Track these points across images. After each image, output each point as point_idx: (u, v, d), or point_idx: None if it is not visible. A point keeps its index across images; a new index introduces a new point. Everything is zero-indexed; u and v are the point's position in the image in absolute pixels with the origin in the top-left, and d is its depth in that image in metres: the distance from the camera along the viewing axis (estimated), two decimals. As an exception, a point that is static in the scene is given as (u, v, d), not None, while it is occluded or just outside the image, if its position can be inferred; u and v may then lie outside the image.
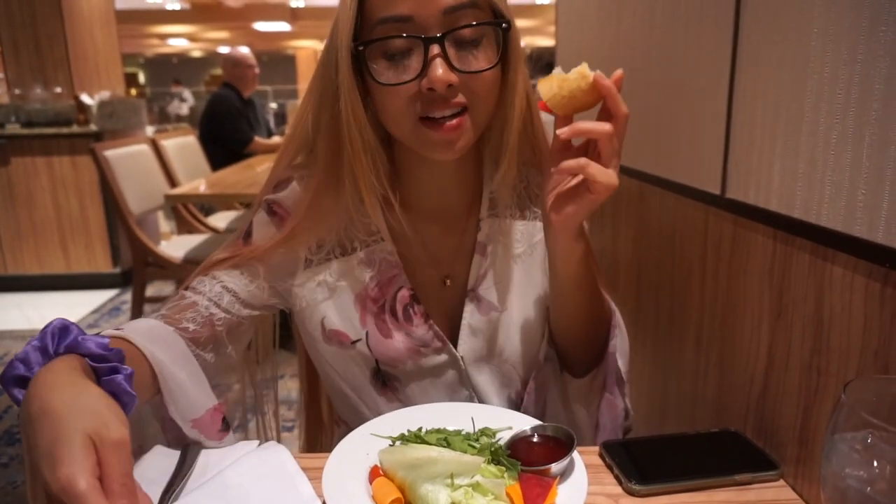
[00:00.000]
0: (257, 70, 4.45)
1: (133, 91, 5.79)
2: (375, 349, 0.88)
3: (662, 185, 1.07)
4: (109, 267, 4.28)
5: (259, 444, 0.78)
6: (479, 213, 0.89)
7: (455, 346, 0.89)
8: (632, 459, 0.75)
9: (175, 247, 3.16)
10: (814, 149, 0.66)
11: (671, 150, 1.03)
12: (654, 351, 1.14)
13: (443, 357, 0.89)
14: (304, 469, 0.72)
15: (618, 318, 0.88)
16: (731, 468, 0.73)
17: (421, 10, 0.70)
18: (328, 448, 0.76)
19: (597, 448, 0.79)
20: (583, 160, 0.70)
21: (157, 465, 0.75)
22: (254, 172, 3.59)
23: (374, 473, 0.68)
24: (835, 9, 0.62)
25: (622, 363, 0.86)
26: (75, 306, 3.98)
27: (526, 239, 0.91)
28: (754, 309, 0.79)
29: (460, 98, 0.73)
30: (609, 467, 0.75)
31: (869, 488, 0.43)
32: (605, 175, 0.70)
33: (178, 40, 14.98)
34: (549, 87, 0.70)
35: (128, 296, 4.14)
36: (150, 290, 3.25)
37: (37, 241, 4.23)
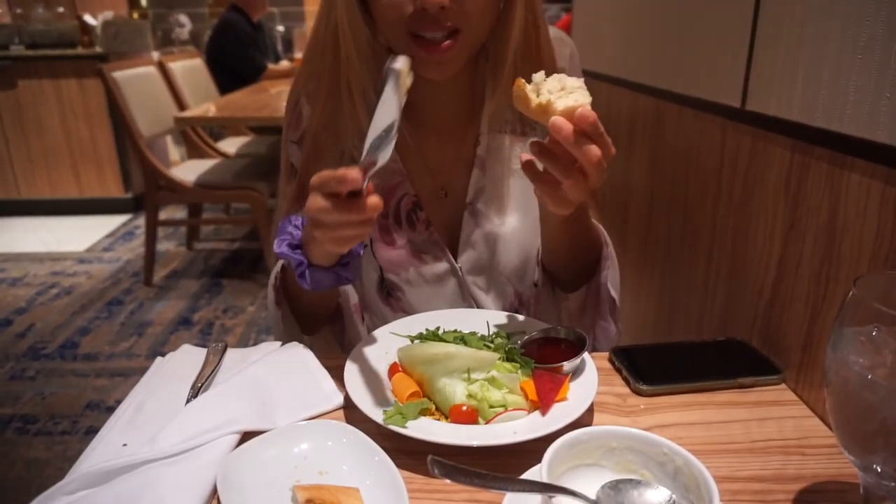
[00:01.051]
0: (267, -9, 4.32)
1: (135, 14, 5.63)
2: (380, 255, 0.90)
3: (680, 101, 1.06)
4: (121, 192, 4.31)
5: (281, 345, 0.81)
6: (478, 128, 0.89)
7: (455, 257, 0.91)
8: (639, 363, 0.78)
9: (186, 171, 3.17)
10: (840, 53, 0.65)
11: (691, 65, 1.02)
12: (665, 265, 1.16)
13: (443, 266, 0.91)
14: (326, 368, 0.76)
15: (609, 249, 0.88)
16: (735, 372, 0.76)
17: None
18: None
19: (607, 354, 0.82)
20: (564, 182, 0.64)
21: (186, 361, 0.79)
22: (266, 95, 3.54)
23: (394, 370, 0.72)
24: None
25: (614, 292, 0.88)
26: (89, 230, 4.04)
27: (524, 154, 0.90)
28: (767, 221, 0.80)
29: (452, 22, 0.72)
30: (618, 370, 0.78)
31: (870, 375, 0.45)
32: (577, 194, 0.65)
33: (180, -40, 14.41)
34: (532, 96, 0.63)
35: (140, 220, 4.19)
36: (163, 215, 3.29)
37: (48, 166, 4.24)
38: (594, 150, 0.60)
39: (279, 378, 0.73)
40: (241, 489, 0.55)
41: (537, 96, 0.62)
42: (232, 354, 0.80)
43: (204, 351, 0.81)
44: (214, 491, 0.56)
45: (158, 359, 0.80)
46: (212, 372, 0.75)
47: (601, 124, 0.61)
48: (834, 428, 0.50)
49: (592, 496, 0.51)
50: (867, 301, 0.46)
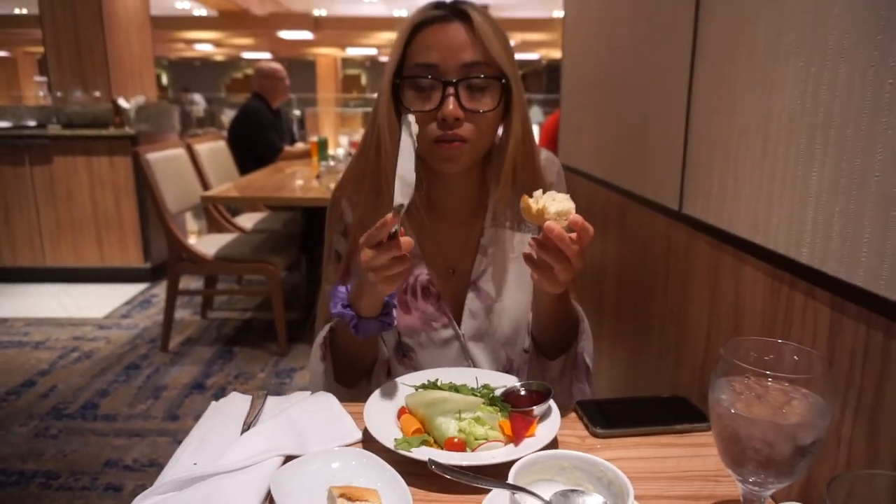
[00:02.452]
0: (288, 83, 4.72)
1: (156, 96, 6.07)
2: (399, 322, 1.12)
3: (637, 200, 1.29)
4: (140, 262, 4.56)
5: (311, 394, 1.01)
6: (483, 221, 1.13)
7: (458, 325, 1.13)
8: (598, 412, 0.97)
9: (206, 244, 3.42)
10: (736, 177, 0.89)
11: (645, 173, 1.26)
12: (632, 336, 1.37)
13: (448, 332, 1.13)
14: (347, 411, 0.96)
15: (585, 325, 1.11)
16: (674, 421, 0.95)
17: (445, 61, 0.98)
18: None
19: (572, 405, 1.01)
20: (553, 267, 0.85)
21: (236, 404, 0.99)
22: (282, 176, 3.84)
23: (402, 412, 0.92)
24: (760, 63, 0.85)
25: (588, 360, 1.10)
26: (108, 297, 4.26)
27: (519, 247, 1.15)
28: (699, 301, 1.02)
29: (465, 130, 0.99)
30: (580, 417, 0.98)
31: (733, 409, 0.65)
32: (566, 276, 0.86)
33: (204, 45, 15.36)
34: (533, 205, 0.83)
35: (157, 289, 4.42)
36: (182, 284, 3.50)
37: (74, 236, 4.51)
38: (574, 246, 0.82)
39: (311, 417, 0.92)
40: (289, 492, 0.74)
41: (536, 204, 0.84)
42: (272, 401, 1.00)
43: (249, 397, 1.01)
44: (268, 495, 0.75)
45: (213, 402, 1.00)
46: (257, 413, 0.95)
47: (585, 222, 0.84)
48: (718, 451, 0.69)
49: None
50: (730, 359, 0.67)
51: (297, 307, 3.89)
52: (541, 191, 0.86)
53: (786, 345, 0.68)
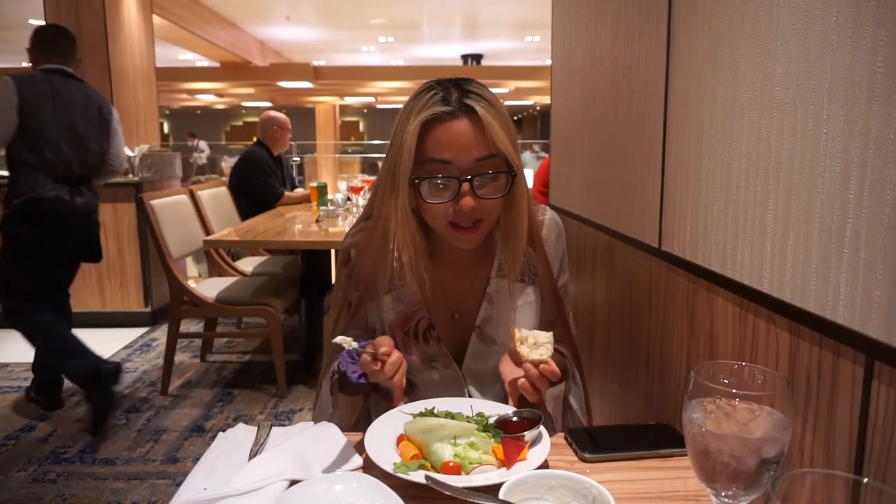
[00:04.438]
0: (290, 134, 4.87)
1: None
2: None
3: (622, 239, 1.37)
4: (141, 306, 4.60)
5: (314, 423, 1.07)
6: (489, 271, 1.21)
7: (460, 365, 1.19)
8: (587, 439, 1.03)
9: (207, 288, 3.48)
10: (706, 216, 0.97)
11: (628, 214, 1.34)
12: (620, 367, 1.43)
13: (450, 372, 1.19)
14: (350, 440, 1.01)
15: (572, 372, 1.20)
16: (658, 446, 1.01)
17: (458, 157, 1.05)
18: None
19: (562, 433, 1.07)
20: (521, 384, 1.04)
21: (242, 435, 1.04)
22: (282, 220, 3.94)
23: (401, 439, 0.97)
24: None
25: (576, 405, 1.21)
26: (109, 342, 4.29)
27: (522, 297, 1.23)
28: (678, 331, 1.09)
29: (479, 213, 1.07)
30: (570, 444, 1.03)
31: (704, 428, 0.71)
32: (531, 394, 1.03)
33: (206, 95, 15.73)
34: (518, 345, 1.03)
35: (157, 333, 4.45)
36: (181, 328, 3.55)
37: (76, 281, 4.54)
38: (545, 385, 1.03)
39: (314, 445, 0.98)
40: (295, 512, 0.79)
41: (521, 344, 1.02)
42: (276, 431, 1.05)
43: (254, 428, 1.06)
44: (274, 516, 0.80)
45: (221, 433, 1.05)
46: (263, 441, 1.00)
47: (554, 370, 1.00)
48: (693, 467, 0.75)
49: (536, 515, 0.75)
50: (700, 381, 0.73)
51: (297, 349, 3.92)
52: (525, 332, 1.03)
53: (750, 367, 0.74)
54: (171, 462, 2.71)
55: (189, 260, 5.09)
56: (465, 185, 1.04)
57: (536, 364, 1.00)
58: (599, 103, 1.52)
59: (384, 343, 1.03)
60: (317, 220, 3.79)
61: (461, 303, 1.21)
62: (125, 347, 4.22)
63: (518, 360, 1.02)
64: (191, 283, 3.60)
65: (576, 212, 1.78)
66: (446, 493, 0.71)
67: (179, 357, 3.97)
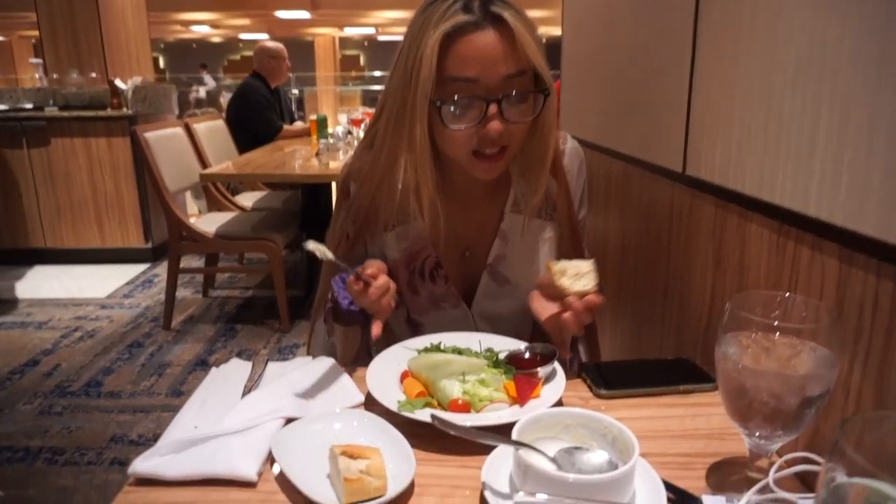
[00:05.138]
0: (288, 63, 4.67)
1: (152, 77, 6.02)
2: (407, 301, 1.13)
3: (641, 165, 1.28)
4: (141, 242, 4.55)
5: (312, 359, 1.01)
6: (503, 206, 1.11)
7: (469, 304, 1.12)
8: (602, 375, 0.96)
9: (207, 223, 3.41)
10: (741, 134, 0.87)
11: (648, 137, 1.24)
12: (633, 301, 1.36)
13: (458, 312, 1.13)
14: (350, 375, 0.95)
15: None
16: (677, 381, 0.95)
17: (485, 75, 0.92)
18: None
19: (576, 370, 1.01)
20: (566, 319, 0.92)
21: (236, 370, 0.98)
22: (281, 154, 3.82)
23: (405, 376, 0.91)
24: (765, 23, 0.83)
25: (584, 355, 1.17)
26: (110, 278, 4.26)
27: (538, 234, 1.13)
28: (702, 262, 1.01)
29: (504, 139, 0.96)
30: (584, 380, 0.97)
31: (740, 364, 0.64)
32: (577, 328, 0.92)
33: (201, 27, 15.21)
34: (557, 278, 0.92)
35: (158, 269, 4.42)
36: (183, 264, 3.50)
37: (74, 218, 4.49)
38: (589, 318, 0.91)
39: (313, 381, 0.92)
40: (290, 451, 0.73)
41: (561, 277, 0.91)
42: (273, 366, 1.00)
43: (249, 363, 1.00)
44: (269, 455, 0.74)
45: (213, 369, 1.00)
46: (258, 377, 0.94)
47: (600, 301, 0.91)
48: (725, 406, 0.68)
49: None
50: (737, 312, 0.66)
51: (299, 285, 3.89)
52: (564, 262, 0.93)
53: (793, 297, 0.67)
54: (176, 395, 2.71)
55: (189, 197, 5.00)
56: (493, 107, 0.92)
57: (582, 296, 0.90)
58: (617, 23, 1.39)
59: (371, 265, 0.95)
60: (317, 154, 3.67)
61: (472, 240, 1.12)
62: (127, 283, 4.19)
63: (556, 295, 0.93)
64: (194, 219, 3.52)
65: (588, 139, 1.67)
66: (452, 433, 0.65)
67: (182, 293, 3.94)
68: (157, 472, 0.72)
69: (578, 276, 0.91)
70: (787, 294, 0.66)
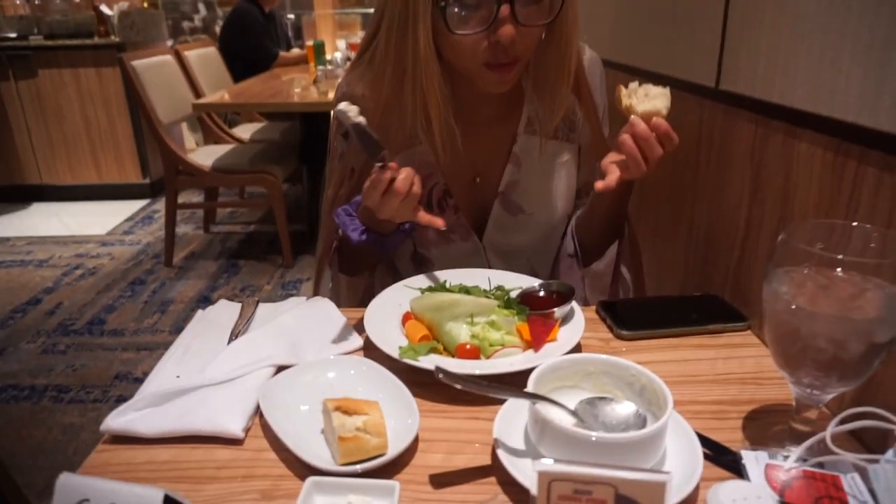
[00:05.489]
0: (281, -19, 4.40)
1: (145, 3, 5.73)
2: (413, 234, 1.01)
3: (664, 81, 1.15)
4: (139, 178, 4.44)
5: (307, 300, 0.92)
6: (516, 127, 0.99)
7: (480, 237, 1.02)
8: (622, 313, 0.88)
9: (203, 156, 3.29)
10: (791, 40, 0.75)
11: (674, 50, 1.11)
12: (654, 232, 1.26)
13: (468, 245, 1.03)
14: (347, 318, 0.87)
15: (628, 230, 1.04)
16: (706, 320, 0.86)
17: None
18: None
19: (593, 306, 0.92)
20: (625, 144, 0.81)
21: (224, 313, 0.90)
22: (278, 82, 3.65)
23: (407, 318, 0.83)
24: None
25: (625, 271, 1.06)
26: (110, 215, 4.18)
27: (555, 157, 1.01)
28: (736, 188, 0.90)
29: (518, 48, 0.83)
30: (603, 319, 0.89)
31: (794, 304, 0.55)
32: (635, 172, 0.82)
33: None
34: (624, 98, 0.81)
35: (158, 205, 4.33)
36: (182, 199, 3.40)
37: (69, 153, 4.37)
38: (656, 147, 0.79)
39: (306, 325, 0.84)
40: (279, 405, 0.66)
41: (628, 97, 0.80)
42: (264, 308, 0.91)
43: (238, 305, 0.92)
44: (257, 408, 0.67)
45: (199, 311, 0.92)
46: (247, 321, 0.86)
47: (669, 127, 0.79)
48: (771, 352, 0.60)
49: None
50: (794, 243, 0.56)
51: (301, 219, 3.80)
52: (636, 83, 0.81)
53: (859, 227, 0.57)
54: (179, 333, 2.67)
55: (185, 130, 4.85)
56: (505, 9, 0.80)
57: (649, 118, 0.79)
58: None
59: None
60: (314, 81, 3.50)
61: (482, 165, 1.01)
62: (126, 220, 4.11)
63: (626, 114, 0.81)
64: (191, 154, 3.40)
65: (601, 55, 1.53)
66: (459, 387, 0.57)
67: (182, 229, 3.87)
68: (132, 429, 0.65)
69: (648, 97, 0.80)
70: (855, 224, 0.56)
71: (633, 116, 0.79)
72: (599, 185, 0.83)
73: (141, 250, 3.59)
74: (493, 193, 1.02)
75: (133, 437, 0.65)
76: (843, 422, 0.54)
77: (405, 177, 0.80)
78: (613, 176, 0.82)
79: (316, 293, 1.05)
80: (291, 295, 3.02)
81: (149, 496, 0.50)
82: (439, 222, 0.85)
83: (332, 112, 1.00)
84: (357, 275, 1.06)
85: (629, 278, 1.05)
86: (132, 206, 4.35)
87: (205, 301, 2.94)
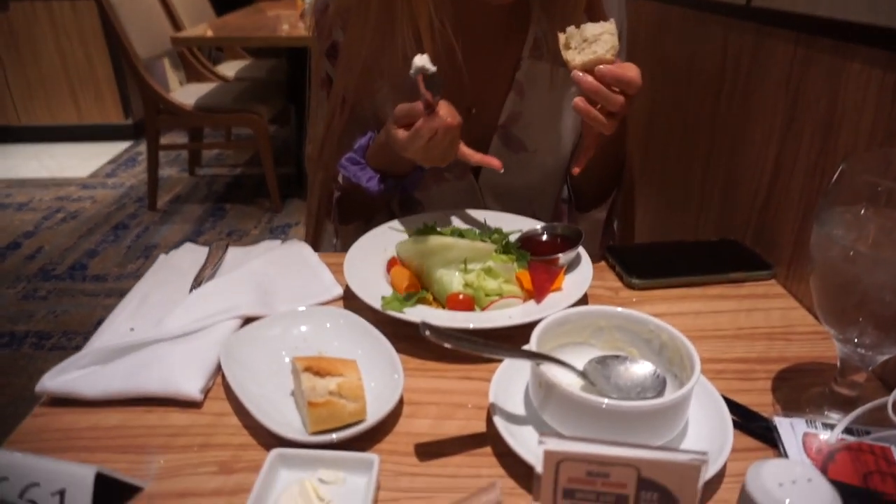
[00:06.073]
0: None
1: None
2: None
3: (683, 3, 1.03)
4: (121, 118, 4.25)
5: (281, 243, 0.83)
6: (520, 51, 0.86)
7: (477, 177, 0.91)
8: (633, 260, 0.79)
9: (185, 94, 3.12)
10: (849, -64, 0.63)
11: (699, -37, 0.98)
12: (663, 174, 1.16)
13: (463, 184, 0.92)
14: (326, 264, 0.78)
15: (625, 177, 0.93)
16: (726, 268, 0.78)
17: None
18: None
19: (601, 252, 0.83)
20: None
21: (188, 257, 0.81)
22: (263, 16, 3.45)
23: (392, 264, 0.74)
24: None
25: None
26: (91, 157, 4.02)
27: (565, 87, 0.87)
28: (766, 121, 0.80)
29: None
30: (611, 266, 0.80)
31: (852, 249, 0.46)
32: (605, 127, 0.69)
33: None
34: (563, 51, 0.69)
35: (141, 147, 4.16)
36: (165, 140, 3.25)
37: (46, 92, 4.16)
38: (613, 97, 0.66)
39: (280, 271, 0.75)
40: (243, 363, 0.57)
41: (566, 49, 0.68)
42: (234, 252, 0.82)
43: (206, 249, 0.83)
44: (219, 367, 0.59)
45: (161, 255, 0.82)
46: (215, 266, 0.77)
47: (620, 71, 0.66)
48: (816, 304, 0.51)
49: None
50: (857, 175, 0.46)
51: (290, 161, 3.66)
52: (572, 27, 0.68)
53: (935, 157, 0.47)
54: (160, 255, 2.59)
55: (168, 68, 4.63)
56: None
57: (590, 69, 0.66)
58: None
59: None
60: (301, 15, 3.29)
61: (479, 93, 0.88)
62: (109, 162, 3.96)
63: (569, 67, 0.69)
64: (173, 92, 3.23)
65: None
66: (448, 346, 0.48)
67: (167, 171, 3.73)
68: (74, 390, 0.56)
69: (587, 41, 0.68)
70: (931, 152, 0.47)
71: (573, 72, 0.67)
72: (575, 170, 0.73)
73: (124, 193, 3.47)
74: (493, 126, 0.90)
75: (75, 398, 0.56)
76: (907, 390, 0.45)
77: (448, 111, 0.69)
78: (585, 152, 0.72)
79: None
80: (280, 240, 2.92)
81: (79, 476, 0.42)
82: (496, 162, 0.75)
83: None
84: (354, 222, 0.96)
85: (617, 230, 0.97)
86: (115, 148, 4.18)
87: (190, 246, 2.84)
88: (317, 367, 0.51)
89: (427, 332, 0.46)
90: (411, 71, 0.64)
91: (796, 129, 0.73)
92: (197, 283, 0.72)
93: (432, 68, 0.64)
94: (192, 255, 0.80)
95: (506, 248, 0.72)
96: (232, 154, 4.02)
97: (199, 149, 3.74)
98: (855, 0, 0.62)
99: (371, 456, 0.47)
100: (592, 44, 0.67)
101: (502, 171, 0.75)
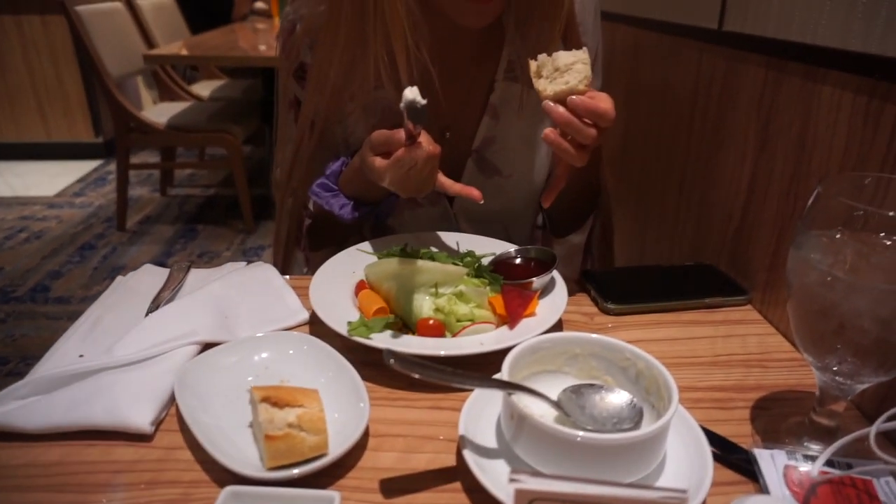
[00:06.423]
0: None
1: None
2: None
3: (659, 28, 1.03)
4: (91, 136, 4.17)
5: (246, 265, 0.80)
6: (494, 73, 0.85)
7: (451, 201, 0.89)
8: (608, 284, 0.77)
9: (158, 113, 3.07)
10: (819, -38, 0.63)
11: (672, -11, 0.99)
12: (638, 198, 1.16)
13: (437, 210, 0.90)
14: (292, 287, 0.75)
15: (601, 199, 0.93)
16: (701, 293, 0.76)
17: None
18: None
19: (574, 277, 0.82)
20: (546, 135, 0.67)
21: (147, 279, 0.77)
22: (237, 36, 3.43)
23: (360, 287, 0.71)
24: None
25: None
26: (59, 175, 3.93)
27: (539, 109, 0.86)
28: (739, 145, 0.79)
29: None
30: (587, 291, 0.78)
31: (830, 275, 0.45)
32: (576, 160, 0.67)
33: None
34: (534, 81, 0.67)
35: (112, 166, 4.08)
36: (137, 159, 3.19)
37: (13, 108, 4.08)
38: (585, 129, 0.64)
39: (243, 294, 0.72)
40: (198, 393, 0.54)
41: (537, 79, 0.66)
42: (196, 274, 0.79)
43: (166, 271, 0.79)
44: (172, 398, 0.55)
45: (119, 277, 0.78)
46: (175, 288, 0.73)
47: (593, 103, 0.63)
48: (794, 330, 0.50)
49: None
50: (833, 199, 0.45)
51: (264, 183, 3.61)
52: (543, 55, 0.66)
53: (912, 181, 0.47)
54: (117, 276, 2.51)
55: (143, 88, 4.57)
56: None
57: (563, 99, 0.64)
58: None
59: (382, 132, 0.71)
60: (277, 36, 3.28)
61: (454, 116, 0.87)
62: (77, 181, 3.87)
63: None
64: (145, 110, 3.17)
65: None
66: (417, 376, 0.45)
67: (138, 191, 3.65)
68: (9, 423, 0.52)
69: (559, 71, 0.65)
70: (908, 176, 0.46)
71: (544, 102, 0.65)
72: (545, 202, 0.71)
73: (92, 213, 3.38)
74: (466, 151, 0.88)
75: (11, 432, 0.52)
76: (891, 419, 0.44)
77: (428, 140, 0.67)
78: (556, 184, 0.70)
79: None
80: (252, 262, 2.86)
81: (5, 518, 0.38)
82: (476, 193, 0.72)
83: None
84: (324, 249, 0.93)
85: (595, 255, 0.96)
86: (84, 167, 4.10)
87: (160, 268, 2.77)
88: (275, 398, 0.48)
89: (392, 361, 0.43)
90: (401, 104, 0.61)
91: (769, 152, 0.73)
92: (154, 305, 0.69)
93: (422, 101, 0.62)
94: (151, 277, 0.77)
95: (478, 271, 0.70)
96: (205, 174, 3.96)
97: (171, 168, 3.68)
98: (825, 25, 0.63)
99: (332, 493, 0.44)
100: (565, 73, 0.65)
101: (482, 201, 0.73)
